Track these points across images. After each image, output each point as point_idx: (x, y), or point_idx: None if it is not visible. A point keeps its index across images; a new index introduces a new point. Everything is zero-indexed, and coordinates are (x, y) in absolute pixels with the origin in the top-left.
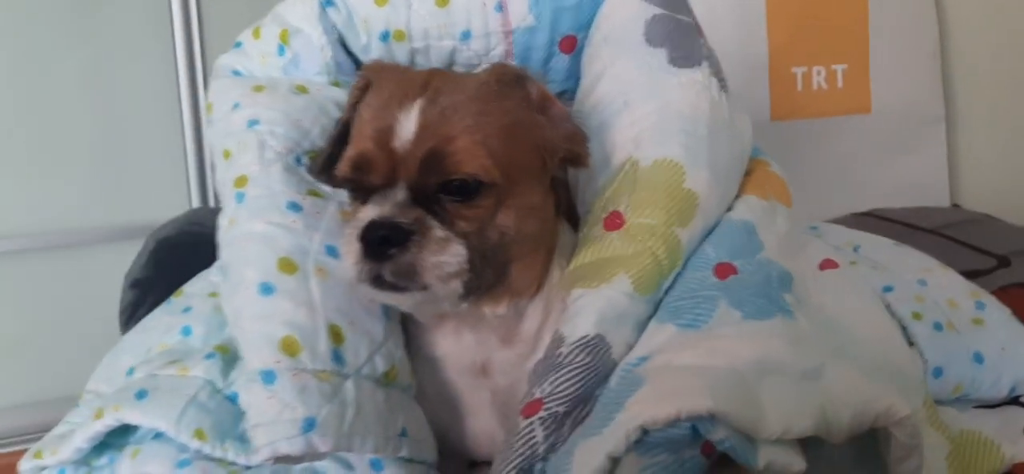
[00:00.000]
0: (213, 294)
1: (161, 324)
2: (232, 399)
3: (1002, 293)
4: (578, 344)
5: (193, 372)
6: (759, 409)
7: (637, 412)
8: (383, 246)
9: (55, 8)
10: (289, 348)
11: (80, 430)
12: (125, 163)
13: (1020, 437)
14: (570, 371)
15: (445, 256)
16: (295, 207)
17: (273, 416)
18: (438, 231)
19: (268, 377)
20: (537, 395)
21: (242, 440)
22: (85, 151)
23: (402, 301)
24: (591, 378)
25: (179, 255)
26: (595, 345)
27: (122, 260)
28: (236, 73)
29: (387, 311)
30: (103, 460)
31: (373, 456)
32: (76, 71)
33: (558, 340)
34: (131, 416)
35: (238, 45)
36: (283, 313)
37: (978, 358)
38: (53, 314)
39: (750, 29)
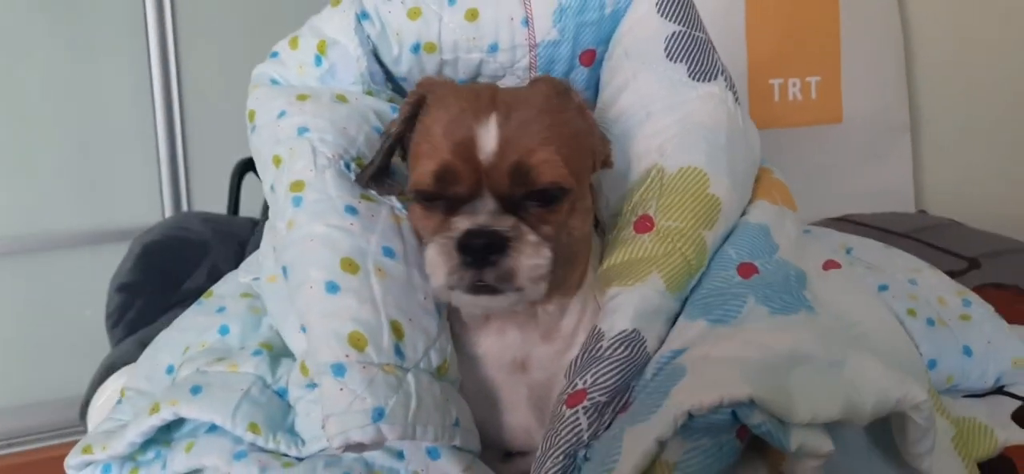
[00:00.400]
0: (245, 294)
1: (196, 324)
2: (281, 394)
3: (977, 292)
4: (618, 338)
5: (243, 368)
6: (791, 396)
7: (683, 400)
8: (485, 253)
9: (27, 9)
10: (356, 343)
11: (134, 424)
12: (97, 166)
13: (1009, 423)
14: (611, 364)
15: (538, 259)
16: (352, 210)
17: (345, 406)
18: (531, 236)
19: (338, 370)
20: (580, 386)
21: (292, 433)
22: (56, 154)
23: (498, 304)
24: (629, 370)
25: (166, 259)
26: (632, 339)
27: (93, 264)
28: (274, 82)
29: (439, 309)
30: (149, 455)
31: (431, 445)
32: (48, 72)
33: (598, 335)
34: (188, 411)
35: (274, 55)
36: (349, 310)
37: (967, 351)
38: (24, 318)
39: (731, 44)
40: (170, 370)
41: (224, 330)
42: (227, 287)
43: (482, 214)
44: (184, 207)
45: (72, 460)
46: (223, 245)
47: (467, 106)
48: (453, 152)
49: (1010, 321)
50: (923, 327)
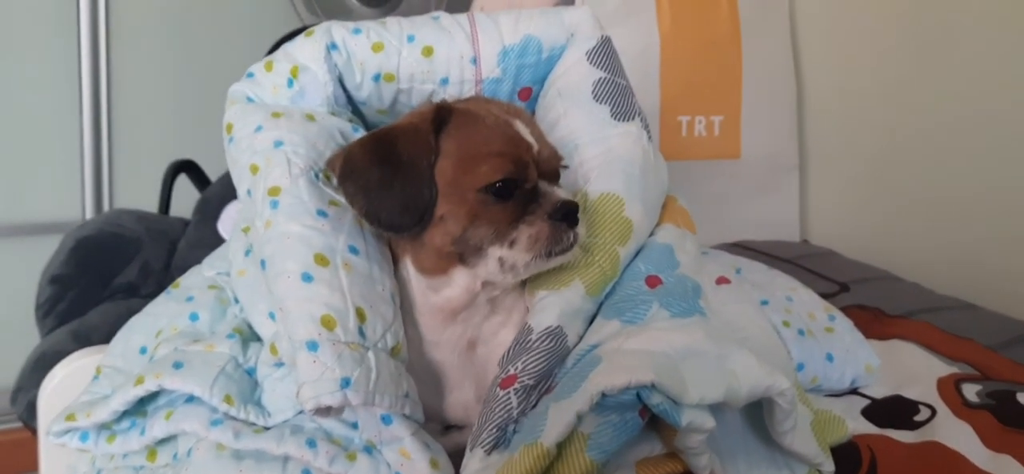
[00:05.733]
0: (212, 286)
1: (168, 311)
2: (250, 372)
3: (844, 312)
4: (544, 332)
5: (219, 349)
6: (683, 382)
7: (599, 382)
8: (575, 218)
9: None
10: (328, 324)
11: (119, 394)
12: (13, 160)
13: (859, 417)
14: (538, 353)
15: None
16: (322, 214)
17: (317, 376)
18: None
19: (312, 346)
20: (512, 371)
21: (259, 405)
22: None
23: (568, 258)
24: (553, 359)
25: (100, 254)
26: (557, 333)
27: (7, 257)
28: (249, 99)
29: (394, 299)
30: (125, 424)
31: (385, 412)
32: None
33: (528, 330)
34: (171, 382)
35: (250, 75)
36: (321, 297)
37: (830, 358)
38: None
39: (646, 83)
40: (143, 351)
41: (194, 317)
42: (193, 279)
43: (557, 191)
44: (106, 204)
45: (55, 427)
46: (155, 243)
47: (495, 116)
48: (518, 149)
49: (869, 336)
50: (794, 336)
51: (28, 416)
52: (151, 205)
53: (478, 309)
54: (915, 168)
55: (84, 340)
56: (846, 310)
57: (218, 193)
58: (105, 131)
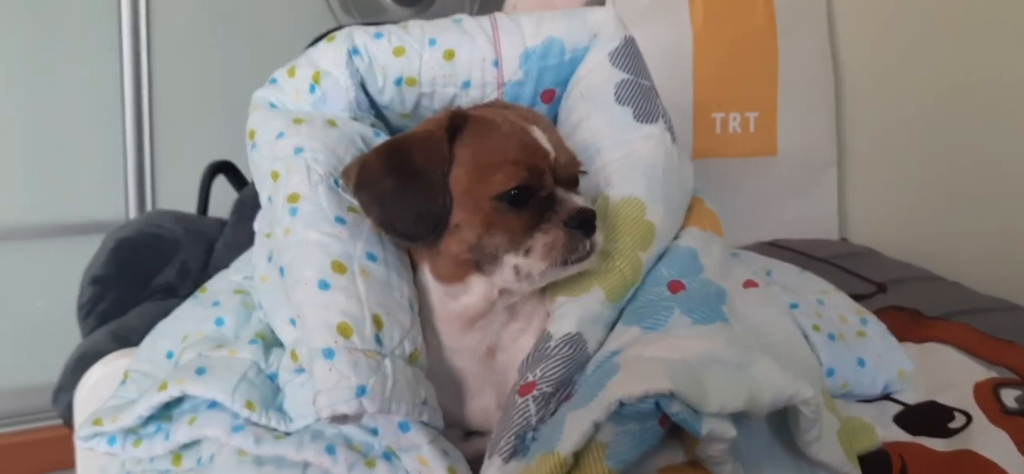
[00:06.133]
0: (238, 291)
1: (194, 315)
2: (272, 378)
3: (879, 314)
4: (563, 339)
5: (241, 354)
6: (704, 391)
7: (616, 390)
8: (593, 226)
9: None
10: (344, 332)
11: (144, 400)
12: (58, 161)
13: (890, 423)
14: (556, 360)
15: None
16: (340, 221)
17: (333, 384)
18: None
19: (328, 354)
20: (530, 378)
21: (281, 411)
22: (19, 146)
23: (586, 266)
24: (572, 366)
25: (139, 254)
26: (576, 340)
27: (51, 256)
28: (272, 105)
29: (412, 305)
30: (151, 428)
31: (403, 419)
32: (12, 66)
33: (547, 337)
34: (193, 388)
35: (273, 81)
36: (338, 304)
37: (861, 362)
38: None
39: (679, 80)
40: (170, 355)
41: (219, 322)
42: (220, 284)
43: (574, 199)
44: (148, 204)
45: (83, 432)
46: (193, 244)
47: (511, 123)
48: (533, 156)
49: (904, 339)
50: (825, 341)
51: (68, 415)
52: (194, 205)
53: (497, 316)
54: (957, 163)
55: (123, 340)
56: (882, 312)
57: (253, 194)
58: (147, 132)
